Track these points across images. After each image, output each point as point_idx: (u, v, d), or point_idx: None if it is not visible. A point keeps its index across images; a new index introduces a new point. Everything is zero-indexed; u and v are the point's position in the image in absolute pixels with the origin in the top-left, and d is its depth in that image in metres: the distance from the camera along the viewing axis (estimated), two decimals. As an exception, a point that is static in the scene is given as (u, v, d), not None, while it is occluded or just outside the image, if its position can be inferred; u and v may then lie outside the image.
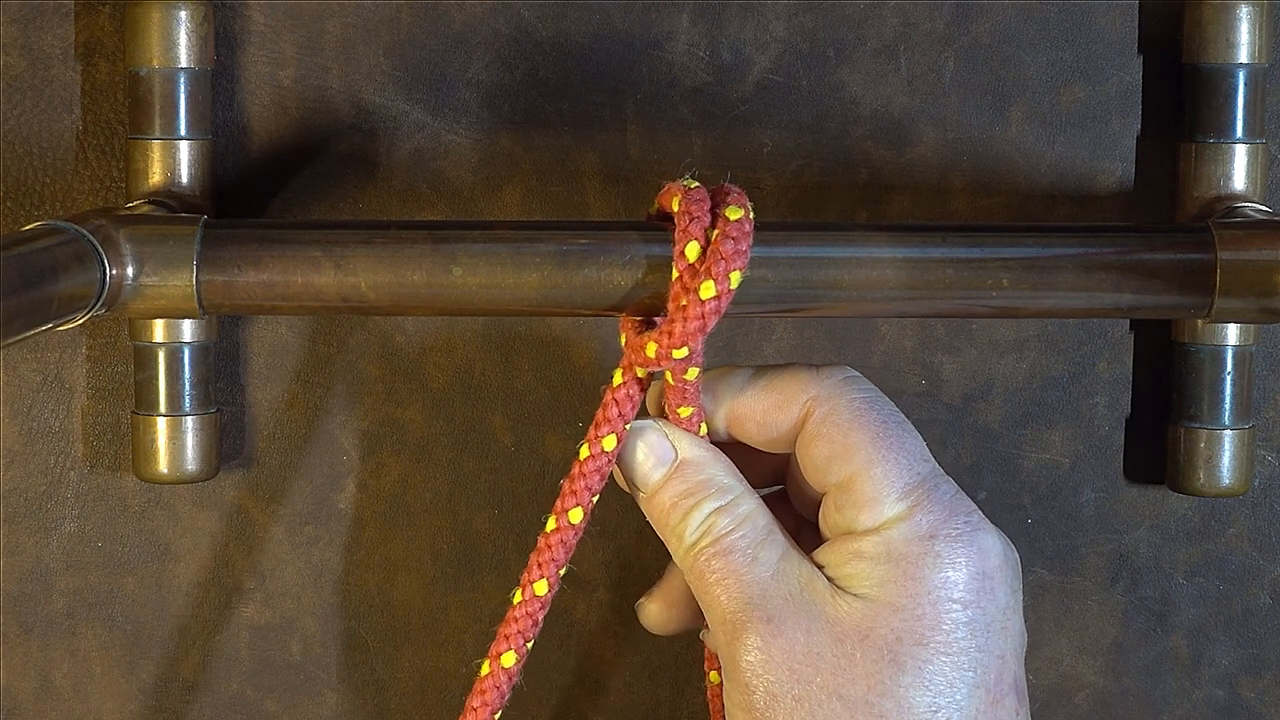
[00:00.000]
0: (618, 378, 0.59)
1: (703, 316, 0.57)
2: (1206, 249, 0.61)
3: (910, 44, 0.69)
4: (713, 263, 0.56)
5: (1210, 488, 0.68)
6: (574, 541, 0.60)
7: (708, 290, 0.56)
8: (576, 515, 0.60)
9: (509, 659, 0.60)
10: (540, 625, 0.60)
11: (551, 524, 0.60)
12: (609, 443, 0.59)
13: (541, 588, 0.60)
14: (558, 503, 0.60)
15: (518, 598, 0.60)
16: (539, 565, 0.60)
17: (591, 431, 0.59)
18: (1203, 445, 0.68)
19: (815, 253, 0.61)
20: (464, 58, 0.69)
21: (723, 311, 0.57)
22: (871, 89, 0.69)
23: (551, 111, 0.69)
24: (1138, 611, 0.71)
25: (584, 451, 0.59)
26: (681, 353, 0.57)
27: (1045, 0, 0.69)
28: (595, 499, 0.60)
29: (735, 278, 0.57)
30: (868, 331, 0.70)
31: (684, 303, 0.57)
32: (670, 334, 0.57)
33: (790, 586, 0.56)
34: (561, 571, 0.60)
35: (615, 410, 0.59)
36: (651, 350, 0.58)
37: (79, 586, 0.71)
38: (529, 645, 0.61)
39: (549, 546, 0.60)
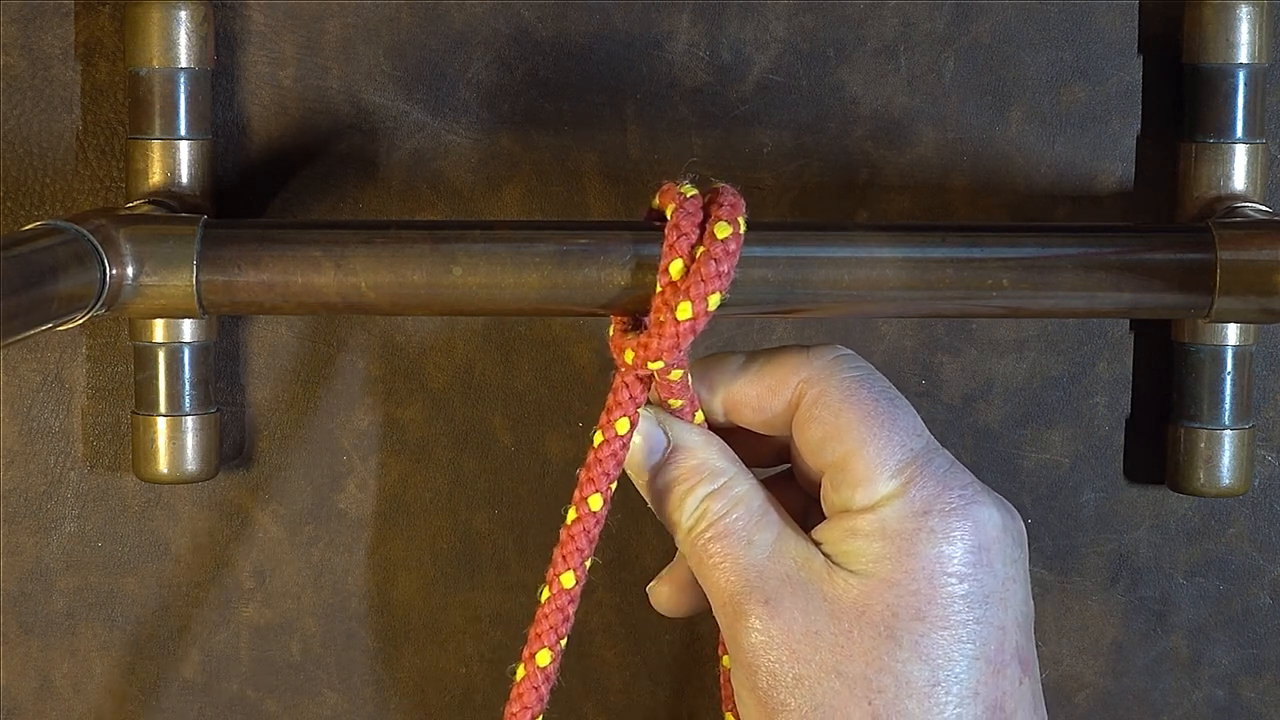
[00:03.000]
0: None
1: (677, 335, 0.57)
2: (1206, 249, 0.61)
3: (910, 44, 0.69)
4: (693, 284, 0.57)
5: (1210, 488, 0.68)
6: (596, 531, 0.59)
7: (684, 312, 0.57)
8: (596, 502, 0.59)
9: (544, 657, 0.59)
10: (572, 620, 0.60)
11: (572, 514, 0.59)
12: (622, 426, 0.59)
13: (569, 580, 0.59)
14: (576, 492, 0.59)
15: (545, 595, 0.59)
16: (563, 558, 0.59)
17: (604, 417, 0.59)
18: (1203, 445, 0.68)
19: (815, 253, 0.61)
20: (464, 58, 0.69)
21: (699, 330, 0.57)
22: (871, 89, 0.69)
23: (551, 111, 0.69)
24: (1138, 611, 0.71)
25: (598, 438, 0.59)
26: (657, 365, 0.57)
27: (1045, 0, 0.69)
28: (614, 486, 0.59)
29: (714, 300, 0.57)
30: (868, 331, 0.70)
31: (662, 319, 0.57)
32: (646, 347, 0.57)
33: (787, 566, 0.57)
34: (588, 563, 0.59)
35: (627, 394, 0.59)
36: (629, 357, 0.58)
37: (79, 586, 0.71)
38: (563, 642, 0.60)
39: (571, 538, 0.59)
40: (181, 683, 0.72)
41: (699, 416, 0.60)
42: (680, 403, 0.59)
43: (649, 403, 0.60)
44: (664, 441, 0.59)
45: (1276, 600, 0.71)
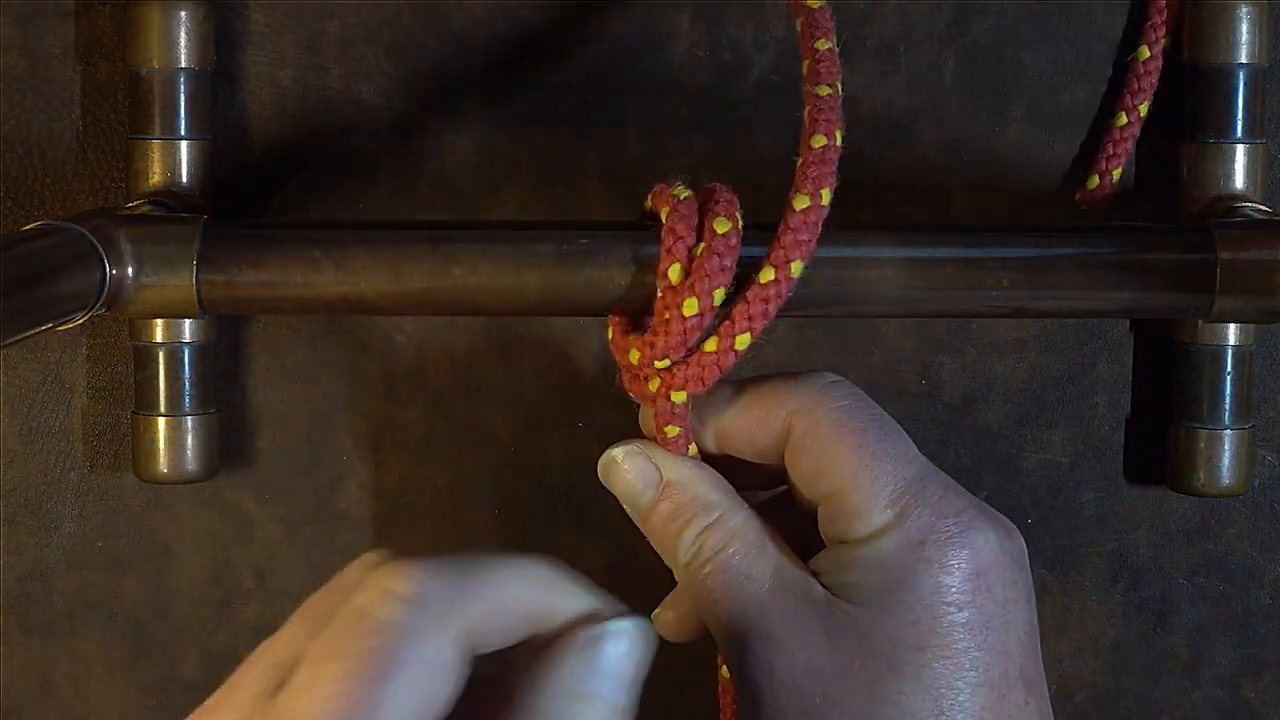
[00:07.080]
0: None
1: (684, 332, 0.57)
2: (1206, 249, 0.61)
3: (910, 44, 0.69)
4: (697, 279, 0.56)
5: (1210, 488, 0.68)
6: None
7: (690, 308, 0.56)
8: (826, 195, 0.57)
9: (797, 267, 0.57)
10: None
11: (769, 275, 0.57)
12: (653, 384, 0.58)
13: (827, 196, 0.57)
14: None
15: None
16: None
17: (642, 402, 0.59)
18: (1203, 445, 0.68)
19: (815, 253, 0.61)
20: (464, 58, 0.69)
21: (705, 327, 0.57)
22: (871, 89, 0.69)
23: (551, 112, 0.69)
24: (1138, 611, 0.71)
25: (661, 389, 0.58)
26: (663, 363, 0.57)
27: (1045, 0, 0.69)
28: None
29: (719, 295, 0.56)
30: (868, 331, 0.70)
31: (668, 316, 0.57)
32: (653, 345, 0.57)
33: (786, 601, 0.56)
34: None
35: (640, 386, 0.59)
36: (634, 357, 0.58)
37: (79, 586, 0.71)
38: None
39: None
40: (181, 683, 0.72)
41: (692, 449, 0.60)
42: (677, 431, 0.59)
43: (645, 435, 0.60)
44: (656, 476, 0.59)
45: (1276, 600, 0.71)
